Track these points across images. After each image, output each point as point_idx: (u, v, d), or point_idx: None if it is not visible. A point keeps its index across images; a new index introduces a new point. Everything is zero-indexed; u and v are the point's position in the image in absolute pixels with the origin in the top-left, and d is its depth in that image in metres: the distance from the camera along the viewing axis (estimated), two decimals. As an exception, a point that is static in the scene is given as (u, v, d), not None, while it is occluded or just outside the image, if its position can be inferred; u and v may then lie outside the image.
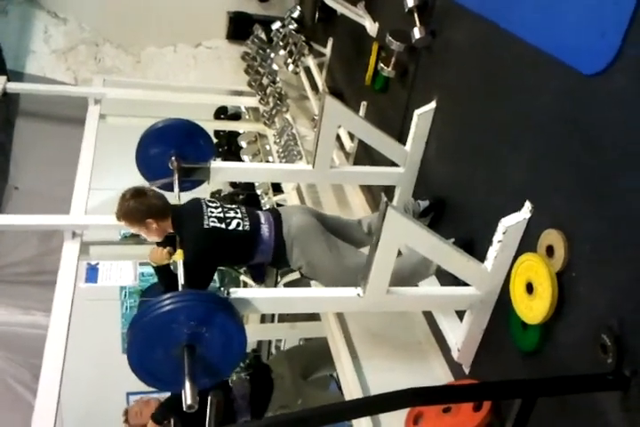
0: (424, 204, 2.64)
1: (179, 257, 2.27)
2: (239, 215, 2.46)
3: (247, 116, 5.09)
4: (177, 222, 2.43)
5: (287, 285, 4.21)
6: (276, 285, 4.41)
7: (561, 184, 1.88)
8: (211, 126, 4.90)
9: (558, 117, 1.90)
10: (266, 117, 4.23)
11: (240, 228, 2.41)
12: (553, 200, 1.91)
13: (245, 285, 4.62)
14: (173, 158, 2.74)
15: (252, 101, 4.62)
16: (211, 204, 2.49)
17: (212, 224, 2.37)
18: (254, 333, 4.21)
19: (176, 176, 2.70)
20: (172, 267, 2.40)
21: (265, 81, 4.36)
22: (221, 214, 2.43)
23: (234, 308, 1.93)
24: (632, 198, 1.60)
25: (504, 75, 2.22)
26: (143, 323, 1.84)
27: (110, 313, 5.32)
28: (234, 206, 2.54)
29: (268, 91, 4.25)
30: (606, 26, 1.68)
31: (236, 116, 5.31)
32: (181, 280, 2.19)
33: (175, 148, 2.78)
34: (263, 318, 4.61)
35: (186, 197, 2.65)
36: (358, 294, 2.04)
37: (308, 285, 2.87)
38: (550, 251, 1.86)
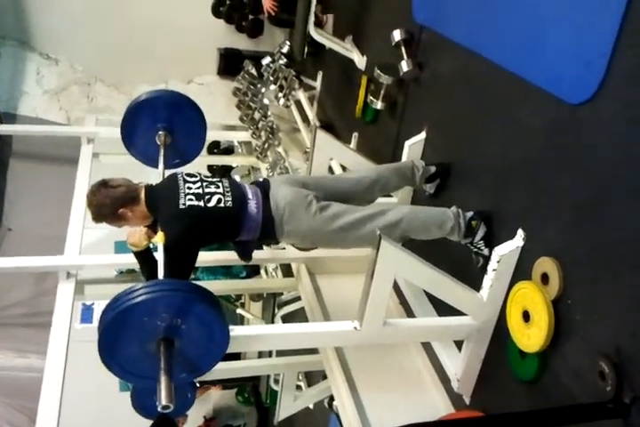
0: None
1: (159, 239, 2.08)
2: (220, 190, 2.24)
3: (240, 150, 5.13)
4: (151, 204, 2.24)
5: (284, 317, 4.19)
6: (272, 318, 4.39)
7: (552, 212, 1.89)
8: (204, 161, 4.94)
9: (547, 147, 1.92)
10: (258, 151, 4.27)
11: (221, 204, 2.19)
12: (546, 228, 1.92)
13: (243, 319, 4.60)
14: (161, 133, 2.58)
15: (245, 136, 4.66)
16: (189, 178, 2.28)
17: (188, 203, 2.15)
18: (252, 368, 4.14)
19: (161, 152, 2.54)
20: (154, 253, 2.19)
21: (257, 115, 4.40)
22: (200, 190, 2.22)
23: (213, 296, 1.78)
24: (623, 225, 1.62)
25: (492, 105, 2.25)
26: (112, 317, 1.66)
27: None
28: (215, 180, 2.31)
29: (260, 125, 4.28)
30: (590, 55, 1.71)
31: (229, 151, 5.35)
32: (161, 267, 2.00)
33: (162, 121, 2.61)
34: (261, 353, 4.57)
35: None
36: (355, 328, 2.03)
37: (305, 318, 2.86)
38: (545, 279, 1.86)
